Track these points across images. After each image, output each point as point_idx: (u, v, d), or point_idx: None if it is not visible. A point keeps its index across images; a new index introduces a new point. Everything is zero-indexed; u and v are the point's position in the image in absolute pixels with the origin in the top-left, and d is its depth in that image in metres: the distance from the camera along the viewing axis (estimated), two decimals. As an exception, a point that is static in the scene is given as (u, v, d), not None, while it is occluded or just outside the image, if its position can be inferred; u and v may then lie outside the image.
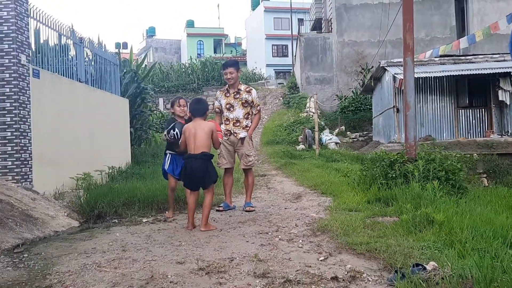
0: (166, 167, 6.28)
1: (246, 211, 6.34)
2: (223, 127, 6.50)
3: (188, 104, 5.93)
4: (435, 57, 15.21)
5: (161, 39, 60.48)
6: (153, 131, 15.56)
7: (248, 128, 6.52)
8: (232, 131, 6.48)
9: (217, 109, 6.71)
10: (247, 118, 6.53)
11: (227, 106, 6.53)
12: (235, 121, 6.49)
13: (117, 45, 42.37)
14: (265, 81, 38.05)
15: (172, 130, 6.05)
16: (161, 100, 29.98)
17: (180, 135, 5.76)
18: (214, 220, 5.73)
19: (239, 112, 6.49)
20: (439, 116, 15.57)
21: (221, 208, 6.42)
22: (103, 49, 11.22)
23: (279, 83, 37.53)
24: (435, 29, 24.88)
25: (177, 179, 6.21)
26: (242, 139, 6.47)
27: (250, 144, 6.56)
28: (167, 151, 6.36)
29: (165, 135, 6.26)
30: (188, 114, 6.06)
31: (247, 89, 6.59)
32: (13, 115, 6.44)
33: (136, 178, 8.69)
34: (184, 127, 5.49)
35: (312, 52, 26.63)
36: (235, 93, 6.52)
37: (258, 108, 6.68)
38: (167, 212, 6.29)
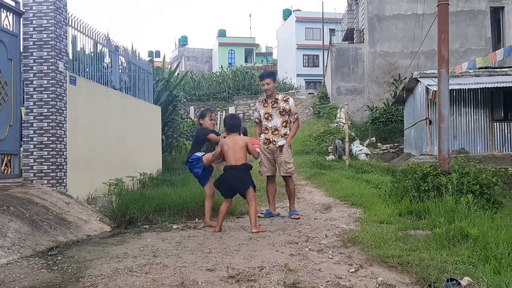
0: (200, 171, 6.17)
1: (292, 218, 6.43)
2: (262, 136, 6.68)
3: (223, 120, 6.12)
4: (471, 70, 14.96)
5: (193, 48, 61.27)
6: (184, 138, 15.69)
7: (286, 136, 6.62)
8: (271, 140, 6.61)
9: (256, 120, 6.88)
10: (285, 126, 6.65)
11: (266, 115, 6.69)
12: (273, 130, 6.62)
13: (150, 54, 43.22)
14: (296, 91, 38.05)
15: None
16: (192, 108, 30.28)
17: None
18: (243, 228, 5.75)
19: (277, 120, 6.62)
20: (473, 129, 15.28)
21: (262, 215, 6.53)
22: (137, 57, 11.42)
23: (309, 93, 37.49)
24: (470, 40, 24.51)
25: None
26: (281, 146, 6.57)
27: (289, 152, 6.65)
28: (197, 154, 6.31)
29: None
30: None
31: (285, 98, 6.73)
32: (50, 121, 6.59)
33: (167, 185, 8.77)
34: (220, 142, 5.83)
35: (343, 63, 26.53)
36: (273, 103, 6.68)
37: (295, 116, 6.77)
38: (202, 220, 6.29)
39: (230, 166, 5.64)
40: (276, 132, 6.60)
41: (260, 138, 6.68)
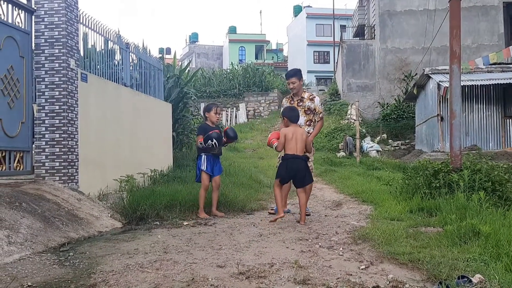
0: (204, 167, 6.57)
1: None
2: None
3: (282, 111, 6.39)
4: (484, 66, 14.81)
5: (204, 44, 61.23)
6: (194, 135, 15.70)
7: (309, 134, 6.63)
8: None
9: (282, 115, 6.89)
10: (309, 125, 6.70)
11: None
12: None
13: (161, 50, 43.17)
14: (306, 88, 37.91)
15: (210, 140, 6.44)
16: (202, 105, 30.10)
17: (218, 144, 6.44)
18: (253, 225, 5.75)
19: (301, 119, 6.62)
20: (485, 125, 15.14)
21: (272, 211, 6.53)
22: (148, 54, 11.44)
23: (320, 90, 37.38)
24: (482, 36, 24.25)
25: (210, 179, 6.67)
26: None
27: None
28: (202, 154, 6.67)
29: (200, 142, 6.56)
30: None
31: (310, 97, 6.79)
32: (62, 118, 6.63)
33: (178, 181, 8.79)
34: (283, 131, 6.04)
35: (354, 59, 26.40)
36: (299, 101, 6.75)
37: (320, 115, 6.81)
38: (199, 213, 6.50)
39: (292, 155, 5.85)
40: None
41: None
